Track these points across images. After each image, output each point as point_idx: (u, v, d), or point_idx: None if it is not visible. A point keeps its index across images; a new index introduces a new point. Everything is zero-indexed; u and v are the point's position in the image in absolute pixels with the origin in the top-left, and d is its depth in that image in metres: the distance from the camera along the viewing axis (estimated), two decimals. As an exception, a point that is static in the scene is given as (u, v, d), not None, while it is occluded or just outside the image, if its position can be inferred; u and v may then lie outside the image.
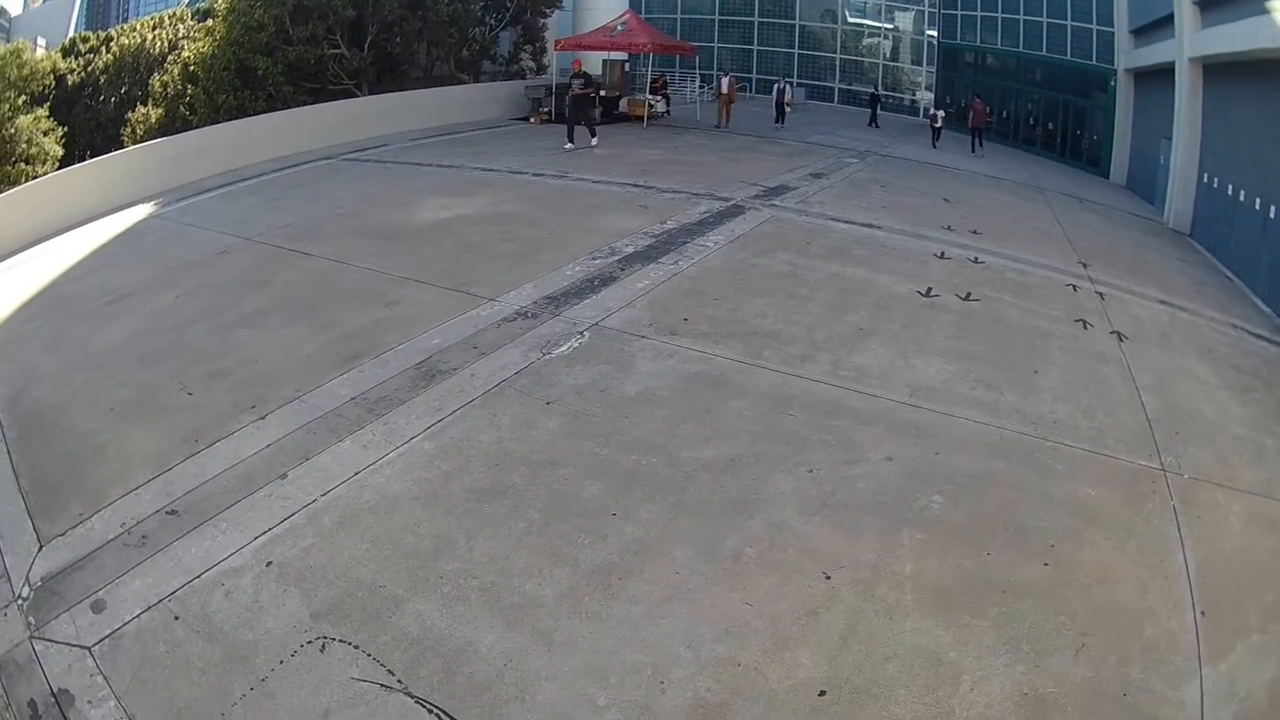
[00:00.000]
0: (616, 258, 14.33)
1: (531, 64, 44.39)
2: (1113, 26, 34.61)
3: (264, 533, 7.43)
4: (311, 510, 7.68)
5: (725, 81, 39.30)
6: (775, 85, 43.10)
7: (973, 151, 36.77)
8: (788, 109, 40.86)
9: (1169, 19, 26.79)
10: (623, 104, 39.26)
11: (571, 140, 27.69)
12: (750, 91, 59.34)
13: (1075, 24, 37.93)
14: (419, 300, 12.67)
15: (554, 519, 7.33)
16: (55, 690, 6.04)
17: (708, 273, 13.70)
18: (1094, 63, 36.47)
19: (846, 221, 17.55)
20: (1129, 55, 33.45)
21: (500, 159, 25.35)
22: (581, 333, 11.17)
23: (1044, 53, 40.98)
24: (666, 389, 9.66)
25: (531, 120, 36.78)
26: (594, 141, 28.13)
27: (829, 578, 6.49)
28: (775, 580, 6.48)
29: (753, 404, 9.31)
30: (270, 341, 11.63)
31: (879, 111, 45.16)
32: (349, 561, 6.96)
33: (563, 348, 10.74)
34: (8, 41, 66.23)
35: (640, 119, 37.59)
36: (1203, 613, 6.35)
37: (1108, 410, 9.73)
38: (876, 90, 46.41)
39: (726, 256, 14.65)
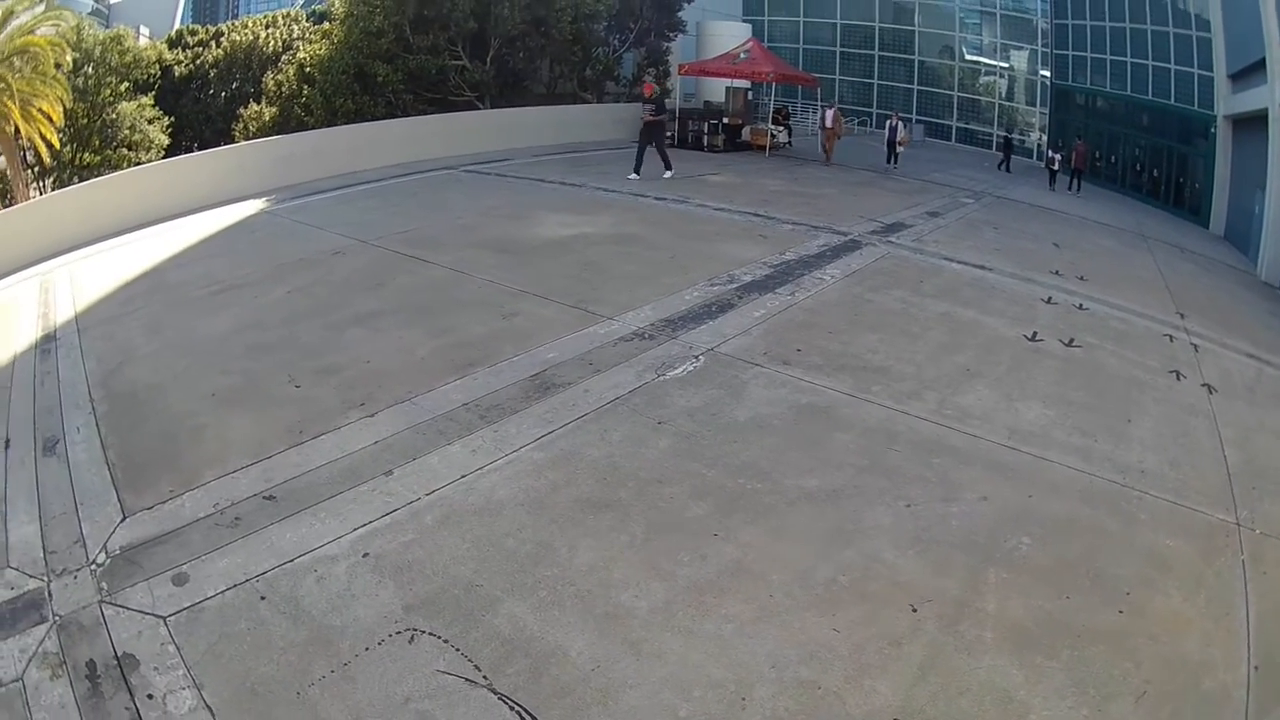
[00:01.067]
0: (735, 285, 14.56)
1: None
2: (1212, 71, 34.09)
3: (364, 525, 7.64)
4: (414, 507, 7.91)
5: (829, 114, 37.63)
6: (887, 122, 40.10)
7: (1070, 190, 37.41)
8: (900, 148, 38.00)
9: (1263, 63, 26.51)
10: (745, 132, 38.94)
11: (637, 171, 26.44)
12: (870, 126, 59.15)
13: (1178, 67, 37.40)
14: (537, 314, 12.95)
15: (656, 535, 7.52)
16: (119, 654, 6.20)
17: (823, 305, 13.89)
18: (1195, 108, 35.87)
19: (959, 262, 17.72)
20: (1227, 101, 33.01)
21: (622, 180, 25.64)
22: (696, 357, 11.40)
23: (1149, 96, 40.39)
24: (776, 417, 9.84)
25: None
26: (667, 174, 26.70)
27: (915, 610, 6.63)
28: (864, 609, 6.63)
29: (859, 437, 9.48)
30: (383, 342, 11.98)
31: (1012, 156, 44.30)
32: (448, 559, 7.14)
33: (677, 370, 10.97)
34: (107, 27, 67.04)
35: (762, 148, 37.31)
36: (1256, 667, 6.43)
37: (1192, 462, 9.76)
38: (1010, 134, 45.37)
39: (842, 290, 14.82)
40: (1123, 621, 6.72)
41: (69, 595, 6.92)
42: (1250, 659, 6.52)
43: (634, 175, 26.14)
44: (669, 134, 34.79)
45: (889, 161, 37.47)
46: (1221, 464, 9.91)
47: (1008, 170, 42.40)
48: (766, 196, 23.02)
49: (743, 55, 37.95)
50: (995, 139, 57.32)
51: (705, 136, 37.54)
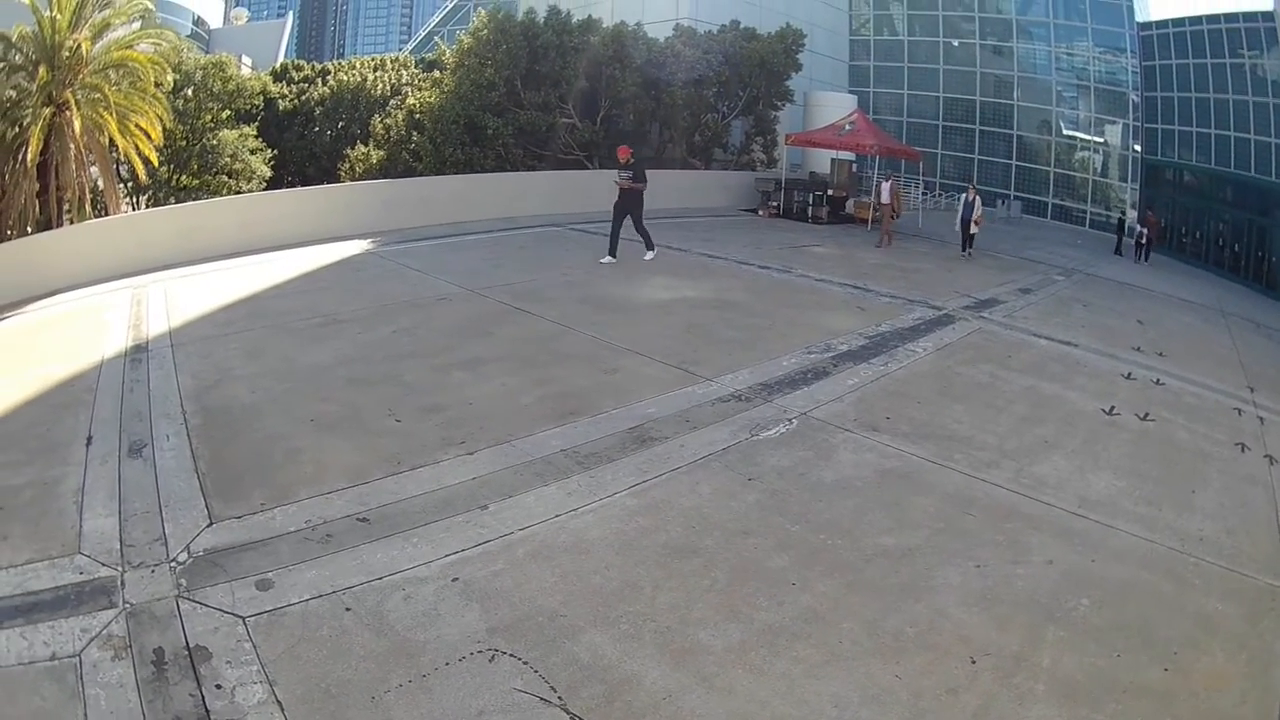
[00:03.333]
0: (830, 354, 15.00)
1: (762, 155, 44.57)
2: None
3: (455, 552, 8.01)
4: (507, 540, 8.28)
5: (886, 188, 32.76)
6: (962, 197, 32.96)
7: (1137, 260, 37.84)
8: (974, 228, 31.79)
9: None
10: (849, 205, 39.10)
11: (613, 253, 23.10)
12: (941, 198, 58.85)
13: (1257, 138, 37.09)
14: (638, 371, 13.45)
15: (737, 581, 7.88)
16: (191, 645, 6.47)
17: (914, 376, 14.28)
18: (1274, 179, 35.64)
19: (1047, 338, 18.04)
20: (1306, 173, 32.64)
21: (727, 248, 26.47)
22: (790, 420, 11.81)
23: (1232, 169, 40.08)
24: (861, 479, 10.19)
25: (760, 213, 37.29)
26: (649, 255, 23.73)
27: (974, 662, 6.93)
28: (926, 659, 6.93)
29: (937, 501, 9.82)
30: (487, 387, 12.48)
31: (1123, 240, 43.20)
32: (535, 590, 7.47)
33: (770, 431, 11.37)
34: (206, 53, 68.05)
35: (864, 221, 37.00)
36: None
37: (1248, 530, 9.98)
38: (1124, 216, 44.59)
39: (933, 363, 15.22)
40: (1167, 679, 6.99)
41: (143, 586, 7.32)
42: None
43: (609, 258, 23.04)
44: (774, 204, 35.26)
45: (964, 249, 32.10)
46: (1275, 531, 10.15)
47: (1119, 254, 41.60)
48: (866, 270, 23.48)
49: (848, 127, 38.21)
50: (1088, 216, 57.44)
51: (810, 208, 37.81)
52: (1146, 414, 13.60)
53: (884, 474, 10.44)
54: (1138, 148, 55.17)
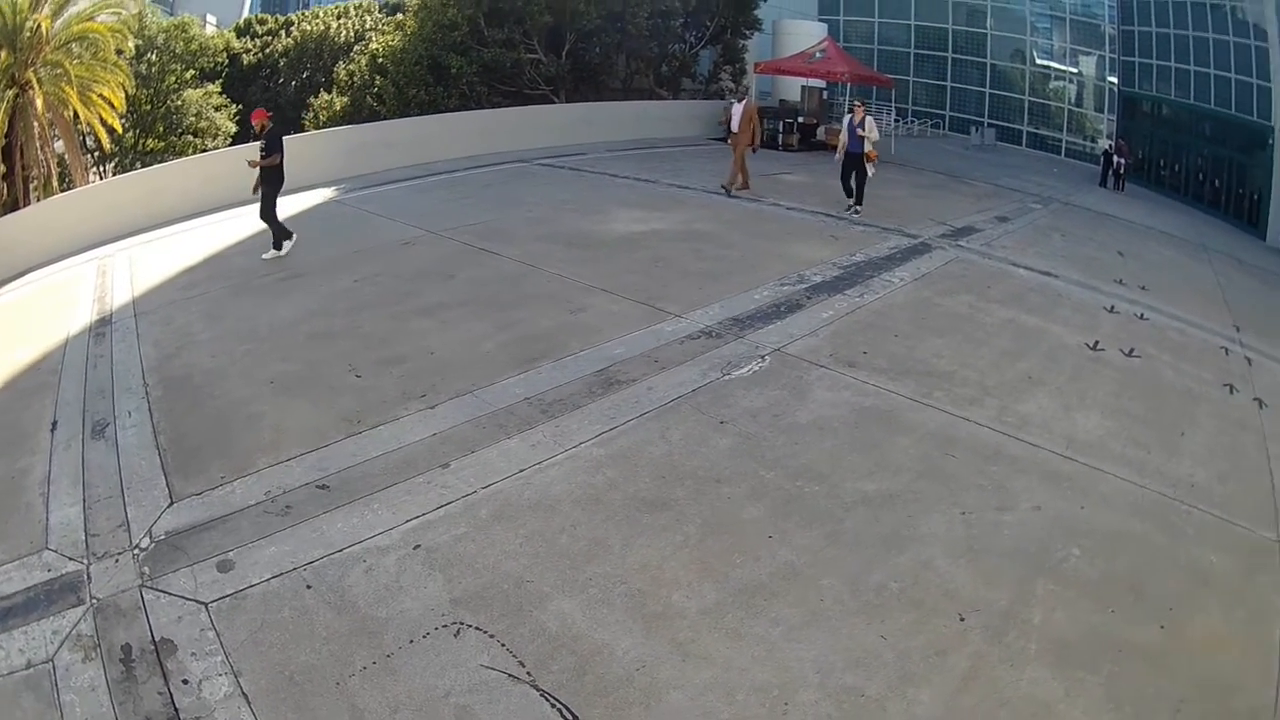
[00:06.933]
0: (804, 285, 14.75)
1: (731, 84, 44.15)
2: (1270, 81, 33.67)
3: (417, 517, 7.82)
4: (469, 501, 8.09)
5: (737, 110, 25.73)
6: (845, 119, 23.89)
7: (1110, 187, 38.74)
8: (870, 169, 22.44)
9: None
10: (820, 132, 38.63)
11: (278, 247, 17.38)
12: (944, 129, 58.81)
13: (1238, 77, 36.88)
14: (605, 310, 13.17)
15: (711, 535, 7.64)
16: (156, 639, 6.33)
17: (891, 308, 14.03)
18: (1254, 118, 35.42)
19: (1026, 268, 17.77)
20: (1285, 110, 32.46)
21: (697, 178, 25.91)
22: (763, 357, 11.55)
23: (1211, 106, 39.88)
24: (838, 419, 9.97)
25: (729, 141, 36.70)
26: (268, 254, 17.03)
27: (963, 619, 6.71)
28: (912, 617, 6.71)
29: (918, 442, 9.59)
30: (449, 334, 12.24)
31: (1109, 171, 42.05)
32: (499, 554, 7.29)
33: (742, 370, 11.12)
34: (172, 15, 67.79)
35: (835, 148, 36.69)
36: None
37: (1240, 478, 9.77)
38: (1110, 149, 44.10)
39: (910, 294, 14.97)
40: (1164, 637, 6.77)
41: (108, 578, 7.12)
42: (1279, 680, 6.55)
43: (272, 253, 17.17)
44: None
45: (852, 199, 22.68)
46: (1268, 480, 9.92)
47: (1105, 187, 40.96)
48: (839, 197, 22.92)
49: (818, 54, 37.89)
50: (1063, 145, 57.52)
51: (780, 135, 37.47)
52: (1132, 350, 13.35)
53: (862, 413, 10.19)
54: (1114, 80, 54.78)
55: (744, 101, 26.69)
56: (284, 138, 17.41)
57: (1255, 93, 35.28)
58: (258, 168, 16.90)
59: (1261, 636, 7.07)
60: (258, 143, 17.37)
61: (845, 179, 22.81)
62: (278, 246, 17.31)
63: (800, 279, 15.14)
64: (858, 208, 22.03)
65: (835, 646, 6.35)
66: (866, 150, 22.20)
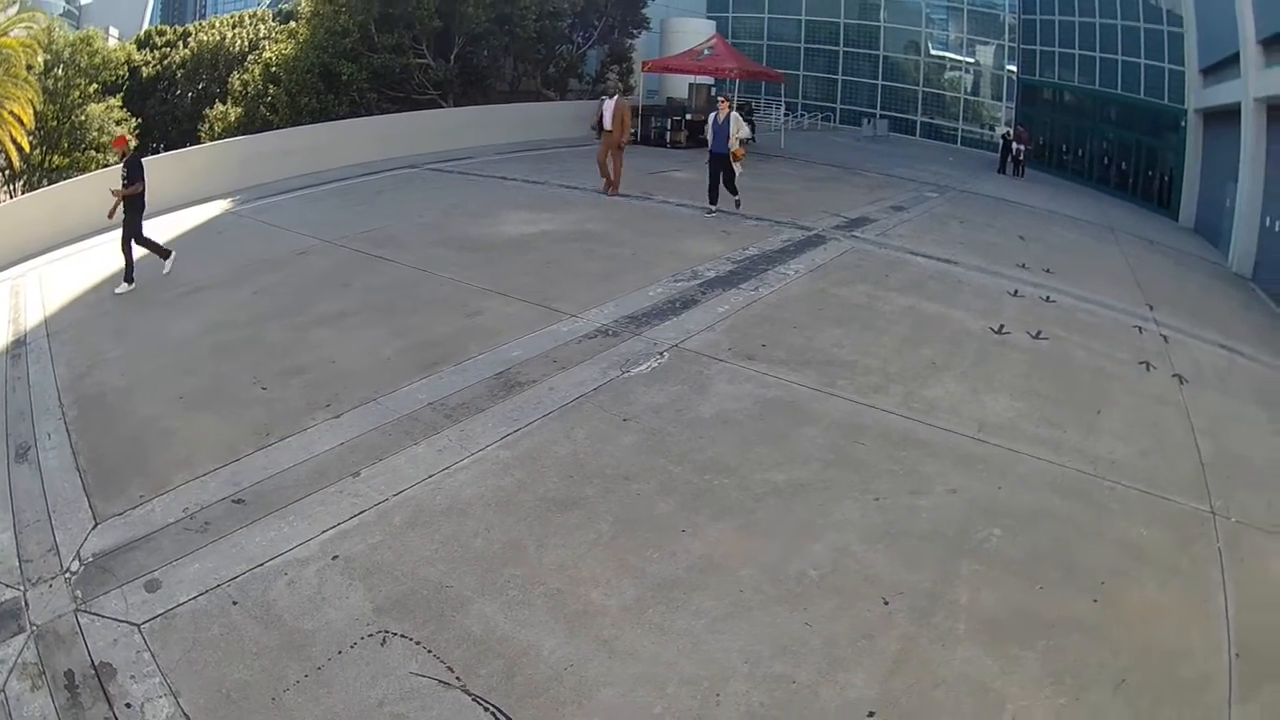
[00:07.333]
0: (698, 281, 14.62)
1: (619, 84, 44.20)
2: (1184, 65, 34.29)
3: (332, 527, 7.63)
4: (382, 508, 7.90)
5: (608, 107, 24.15)
6: (710, 116, 22.75)
7: (1010, 174, 39.69)
8: (737, 168, 21.27)
9: (1236, 58, 26.66)
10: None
11: (128, 279, 15.85)
12: (835, 122, 59.42)
13: (1148, 62, 37.59)
14: (501, 312, 12.98)
15: (624, 532, 7.50)
16: (96, 663, 6.17)
17: (787, 300, 13.92)
18: (1165, 102, 36.08)
19: (925, 256, 17.81)
20: (1199, 95, 33.20)
21: (585, 178, 25.58)
22: (661, 353, 11.42)
23: (1119, 91, 40.60)
24: (742, 412, 9.85)
25: (600, 139, 36.79)
26: (120, 289, 15.61)
27: (887, 603, 6.62)
28: (835, 603, 6.61)
29: (825, 431, 9.48)
30: (348, 343, 12.01)
31: (1008, 159, 42.92)
32: (417, 560, 7.13)
33: (642, 367, 10.98)
34: (77, 28, 67.11)
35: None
36: (1237, 655, 6.42)
37: (1163, 452, 9.80)
38: (1009, 136, 44.30)
39: (806, 285, 14.88)
40: (1098, 611, 6.73)
41: (45, 604, 6.87)
42: (1231, 647, 6.51)
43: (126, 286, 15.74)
44: (631, 130, 28.61)
45: (711, 202, 21.70)
46: (1194, 453, 9.94)
47: (1003, 173, 41.85)
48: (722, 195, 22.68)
49: (706, 51, 38.02)
50: (959, 134, 57.99)
51: (668, 133, 37.80)
52: (1039, 332, 13.37)
53: (765, 405, 10.10)
54: (1013, 68, 55.47)
55: (614, 99, 24.93)
56: (172, 153, 17.09)
57: (1167, 76, 35.85)
58: (119, 197, 16.05)
59: (1203, 605, 7.06)
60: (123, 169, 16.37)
61: (713, 183, 21.52)
62: (129, 279, 15.83)
63: (694, 275, 15.07)
64: (737, 199, 21.45)
65: (760, 636, 6.24)
66: (734, 149, 21.03)
